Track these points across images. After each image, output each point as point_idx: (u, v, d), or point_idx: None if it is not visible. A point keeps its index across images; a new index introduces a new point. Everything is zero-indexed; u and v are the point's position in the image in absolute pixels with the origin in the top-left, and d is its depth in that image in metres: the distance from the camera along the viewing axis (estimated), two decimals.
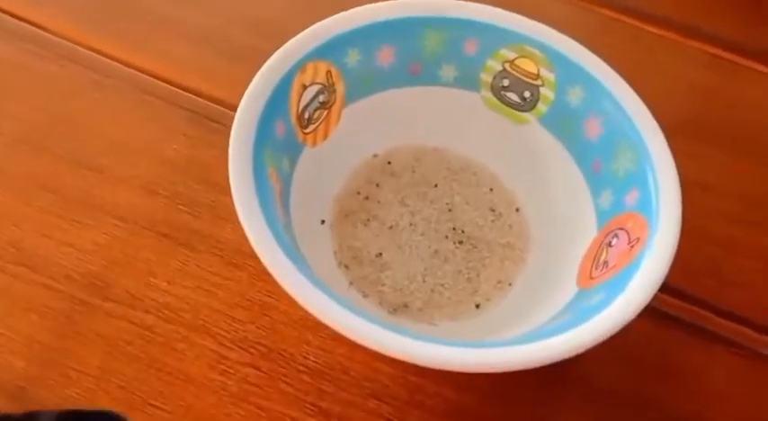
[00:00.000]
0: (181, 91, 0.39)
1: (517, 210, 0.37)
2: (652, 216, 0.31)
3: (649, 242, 0.30)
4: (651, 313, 0.35)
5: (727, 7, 0.48)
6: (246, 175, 0.29)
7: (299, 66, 0.33)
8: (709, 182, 0.40)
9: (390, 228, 0.35)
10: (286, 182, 0.33)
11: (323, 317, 0.27)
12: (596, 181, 0.35)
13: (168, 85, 0.39)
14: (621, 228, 0.32)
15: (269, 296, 0.33)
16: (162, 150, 0.37)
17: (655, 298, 0.35)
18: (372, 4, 0.36)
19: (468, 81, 0.37)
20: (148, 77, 0.39)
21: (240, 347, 0.32)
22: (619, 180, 0.33)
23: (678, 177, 0.31)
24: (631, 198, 0.32)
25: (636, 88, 0.37)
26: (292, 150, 0.34)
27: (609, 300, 0.28)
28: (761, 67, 0.45)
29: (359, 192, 0.36)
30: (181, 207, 0.35)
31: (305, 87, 0.34)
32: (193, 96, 0.39)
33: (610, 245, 0.32)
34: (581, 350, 0.27)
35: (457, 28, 0.36)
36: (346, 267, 0.34)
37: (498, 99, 0.37)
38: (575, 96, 0.35)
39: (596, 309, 0.29)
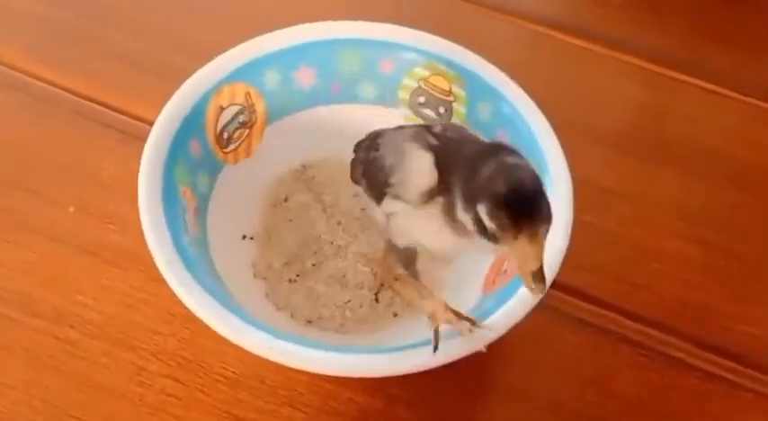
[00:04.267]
0: (111, 111, 0.41)
1: None
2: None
3: None
4: (565, 317, 0.36)
5: (655, 22, 0.50)
6: (155, 192, 0.30)
7: (215, 88, 0.35)
8: (626, 190, 0.42)
9: (311, 240, 0.37)
10: (203, 198, 0.34)
11: (209, 320, 0.29)
12: None
13: (99, 107, 0.41)
14: None
15: (190, 311, 0.35)
16: (93, 170, 0.39)
17: (567, 303, 0.37)
18: (288, 28, 0.37)
19: (387, 98, 0.38)
20: (80, 99, 0.41)
21: (159, 359, 0.33)
22: None
23: (571, 191, 0.33)
24: None
25: (557, 99, 0.38)
26: (210, 168, 0.35)
27: (498, 304, 0.30)
28: (686, 78, 0.46)
29: (280, 205, 0.37)
30: (110, 226, 0.37)
31: (222, 108, 0.35)
32: (124, 117, 0.40)
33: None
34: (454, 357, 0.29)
35: (371, 48, 0.37)
36: (264, 279, 0.35)
37: (416, 115, 0.39)
38: (484, 111, 0.37)
39: (488, 313, 0.30)
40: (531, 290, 0.26)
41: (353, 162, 0.34)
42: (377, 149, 0.31)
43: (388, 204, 0.30)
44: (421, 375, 0.32)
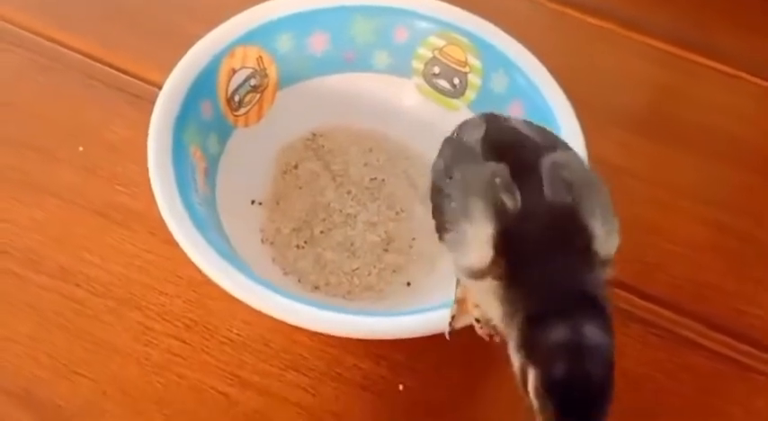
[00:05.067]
0: (122, 75, 0.40)
1: None
2: None
3: None
4: None
5: (674, 3, 0.49)
6: (165, 148, 0.30)
7: (228, 50, 0.34)
8: (640, 171, 0.41)
9: (320, 207, 0.36)
10: (213, 160, 0.34)
11: (213, 275, 0.28)
12: None
13: (111, 69, 0.41)
14: None
15: (199, 273, 0.34)
16: (102, 132, 0.38)
17: None
18: None
19: (400, 68, 0.38)
20: (92, 62, 0.41)
21: (166, 320, 0.33)
22: None
23: (585, 157, 0.32)
24: None
25: (574, 78, 0.38)
26: (221, 130, 0.35)
27: None
28: (703, 61, 0.46)
29: (290, 172, 0.37)
30: (119, 187, 0.37)
31: (234, 71, 0.35)
32: (135, 80, 0.40)
33: None
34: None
35: (386, 16, 0.37)
36: (271, 244, 0.35)
37: (430, 86, 0.38)
38: (499, 82, 0.36)
39: None
40: None
41: (431, 172, 0.29)
42: (450, 177, 0.27)
43: (444, 251, 0.27)
44: (426, 343, 0.31)
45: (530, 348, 0.22)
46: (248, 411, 0.31)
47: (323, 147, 0.38)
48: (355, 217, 0.36)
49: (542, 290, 0.23)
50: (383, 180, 0.38)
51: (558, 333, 0.22)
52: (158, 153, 0.30)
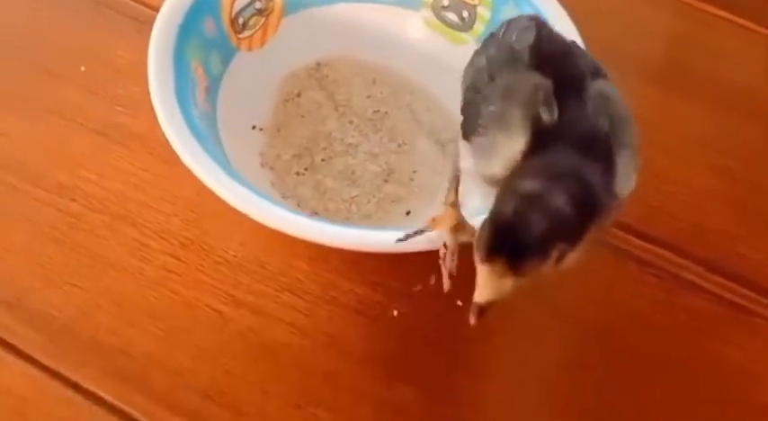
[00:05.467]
0: (131, 1, 0.40)
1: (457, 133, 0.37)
2: None
3: None
4: None
5: None
6: (166, 58, 0.30)
7: None
8: (647, 116, 0.40)
9: (321, 136, 0.36)
10: (214, 80, 0.34)
11: (210, 183, 0.28)
12: None
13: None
14: None
15: (197, 194, 0.34)
16: (107, 55, 0.38)
17: None
18: None
19: (409, 0, 0.38)
20: None
21: (162, 237, 0.33)
22: None
23: None
24: None
25: (586, 22, 0.37)
26: (224, 50, 0.34)
27: None
28: (719, 12, 0.45)
29: (293, 100, 0.37)
30: (119, 108, 0.36)
31: None
32: (142, 7, 0.40)
33: None
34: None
35: None
36: (271, 169, 0.35)
37: (438, 19, 0.38)
38: (509, 15, 0.35)
39: None
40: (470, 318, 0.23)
41: (469, 67, 0.28)
42: (492, 78, 0.26)
43: (464, 150, 0.27)
44: (422, 271, 0.31)
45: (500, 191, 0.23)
46: (242, 329, 0.31)
47: (327, 76, 0.38)
48: (357, 147, 0.36)
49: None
50: (386, 112, 0.37)
51: (528, 185, 0.22)
52: (158, 60, 0.29)
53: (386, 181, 0.35)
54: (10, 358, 0.30)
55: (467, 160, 0.27)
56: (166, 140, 0.33)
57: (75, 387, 0.29)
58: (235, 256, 0.33)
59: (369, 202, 0.34)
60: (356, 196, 0.34)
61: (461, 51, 0.36)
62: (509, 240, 0.22)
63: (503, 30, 0.28)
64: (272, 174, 0.34)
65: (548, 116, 0.24)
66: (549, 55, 0.26)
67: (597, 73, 0.26)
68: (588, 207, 0.23)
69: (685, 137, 0.40)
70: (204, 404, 0.29)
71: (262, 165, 0.35)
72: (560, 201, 0.22)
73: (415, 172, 0.36)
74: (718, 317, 0.34)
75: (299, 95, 0.37)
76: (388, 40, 0.38)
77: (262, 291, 0.32)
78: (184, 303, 0.31)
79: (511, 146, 0.24)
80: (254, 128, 0.35)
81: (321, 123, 0.36)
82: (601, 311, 0.33)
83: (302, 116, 0.36)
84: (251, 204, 0.28)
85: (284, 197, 0.34)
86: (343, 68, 0.38)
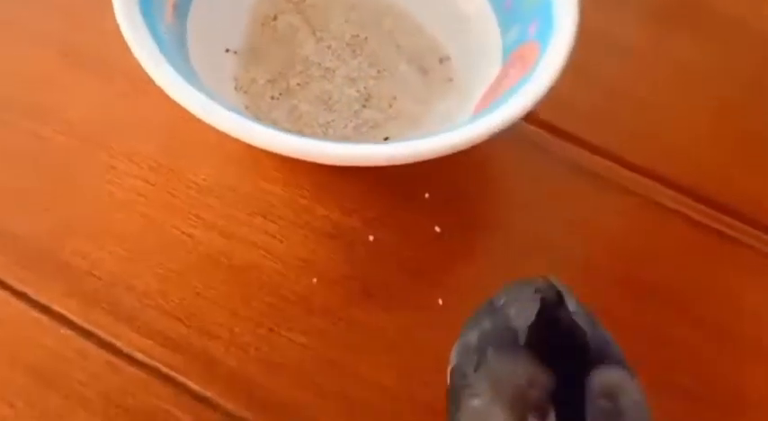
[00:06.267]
0: None
1: (440, 60, 0.36)
2: (546, 43, 0.30)
3: (536, 63, 0.29)
4: (562, 162, 0.35)
5: None
6: None
7: None
8: (641, 48, 0.39)
9: (298, 60, 0.35)
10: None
11: (167, 88, 0.27)
12: (507, 18, 0.34)
13: None
14: (520, 58, 0.32)
15: (170, 120, 0.33)
16: None
17: (569, 149, 0.36)
18: None
19: None
20: None
21: (132, 161, 0.32)
22: (525, 13, 0.33)
23: (578, 11, 0.31)
24: (533, 28, 0.32)
25: None
26: None
27: (487, 112, 0.28)
28: None
29: (268, 24, 0.35)
30: (92, 32, 0.35)
31: None
32: None
33: (507, 75, 0.32)
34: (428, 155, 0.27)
35: None
36: (245, 93, 0.34)
37: None
38: None
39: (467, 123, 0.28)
40: None
41: (458, 343, 0.25)
42: (480, 363, 0.23)
43: None
44: (399, 200, 0.31)
45: None
46: (212, 252, 0.30)
47: (304, 0, 0.37)
48: (334, 71, 0.35)
49: None
50: (366, 38, 0.36)
51: None
52: None
53: (364, 106, 0.34)
54: None
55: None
56: (138, 64, 0.32)
57: (44, 309, 0.29)
58: (205, 180, 0.32)
59: (345, 127, 0.33)
60: (332, 121, 0.33)
61: None
62: None
63: (502, 300, 0.25)
64: (247, 97, 0.33)
65: None
66: (551, 337, 0.22)
67: (610, 359, 0.22)
68: None
69: (679, 67, 0.38)
70: (173, 325, 0.29)
71: (236, 88, 0.33)
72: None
73: (394, 98, 0.34)
74: (704, 246, 0.33)
75: (275, 18, 0.36)
76: None
77: (233, 215, 0.31)
78: (153, 226, 0.31)
79: None
80: (227, 51, 0.34)
81: (298, 47, 0.35)
82: (585, 239, 0.33)
83: (278, 40, 0.35)
84: (216, 115, 0.26)
85: (258, 120, 0.33)
86: None
